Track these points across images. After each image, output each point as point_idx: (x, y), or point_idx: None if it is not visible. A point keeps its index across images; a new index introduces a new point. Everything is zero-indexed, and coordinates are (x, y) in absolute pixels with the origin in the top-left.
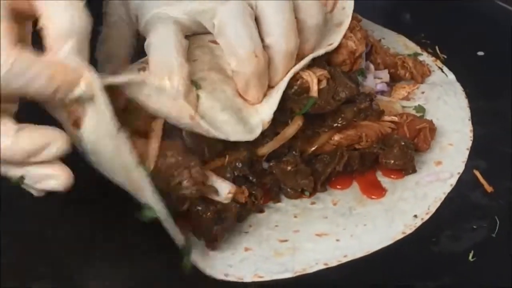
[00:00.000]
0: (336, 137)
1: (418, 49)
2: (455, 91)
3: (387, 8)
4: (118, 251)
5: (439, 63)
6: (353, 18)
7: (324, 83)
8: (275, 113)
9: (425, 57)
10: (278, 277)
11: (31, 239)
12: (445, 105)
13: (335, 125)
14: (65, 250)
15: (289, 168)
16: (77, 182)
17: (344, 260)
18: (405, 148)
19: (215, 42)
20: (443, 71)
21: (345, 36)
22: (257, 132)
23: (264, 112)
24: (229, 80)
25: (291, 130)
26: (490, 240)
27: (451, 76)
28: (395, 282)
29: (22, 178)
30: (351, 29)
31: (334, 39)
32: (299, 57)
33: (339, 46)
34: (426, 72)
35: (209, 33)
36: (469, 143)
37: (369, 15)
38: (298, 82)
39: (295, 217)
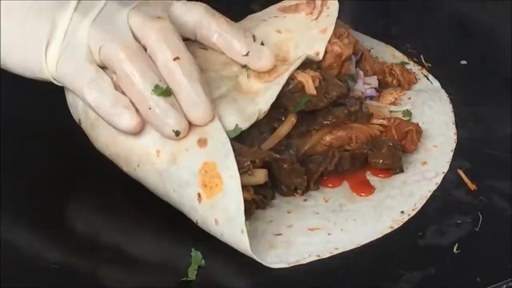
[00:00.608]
0: (328, 138)
1: (405, 59)
2: (440, 97)
3: (376, 20)
4: None
5: (424, 71)
6: (341, 27)
7: (317, 83)
8: (271, 109)
9: (412, 66)
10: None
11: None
12: (430, 110)
13: (325, 122)
14: None
15: (285, 166)
16: None
17: (336, 252)
18: (393, 149)
19: (205, 48)
20: (428, 79)
21: (330, 42)
22: (252, 120)
23: (261, 102)
24: (225, 79)
25: (285, 128)
26: (473, 234)
27: (436, 83)
28: (384, 272)
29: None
30: (338, 36)
31: (320, 46)
32: None
33: (325, 51)
34: (413, 80)
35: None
36: (453, 145)
37: (359, 27)
38: (295, 82)
39: (289, 213)
